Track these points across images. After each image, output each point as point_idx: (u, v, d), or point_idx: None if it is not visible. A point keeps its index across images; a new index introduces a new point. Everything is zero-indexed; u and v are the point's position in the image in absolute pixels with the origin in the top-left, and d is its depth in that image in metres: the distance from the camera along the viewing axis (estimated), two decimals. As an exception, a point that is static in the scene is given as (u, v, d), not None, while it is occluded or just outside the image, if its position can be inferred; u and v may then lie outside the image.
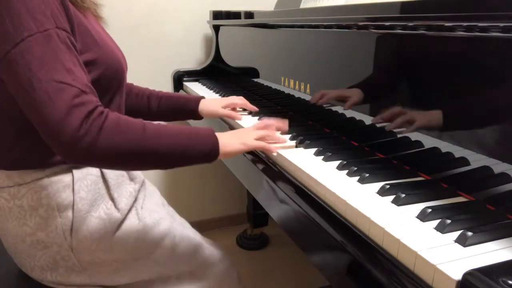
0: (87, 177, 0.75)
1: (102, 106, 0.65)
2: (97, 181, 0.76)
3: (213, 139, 0.72)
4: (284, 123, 0.88)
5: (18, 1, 0.59)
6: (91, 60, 0.71)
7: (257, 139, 0.80)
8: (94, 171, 0.76)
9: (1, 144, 0.72)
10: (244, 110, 1.13)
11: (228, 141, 0.75)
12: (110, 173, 0.78)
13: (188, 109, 1.04)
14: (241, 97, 1.10)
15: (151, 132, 0.66)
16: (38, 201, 0.71)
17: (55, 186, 0.72)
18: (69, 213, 0.73)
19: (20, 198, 0.71)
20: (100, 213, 0.76)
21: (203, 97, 1.06)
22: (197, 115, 1.05)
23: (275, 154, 0.82)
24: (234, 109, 1.10)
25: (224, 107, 1.06)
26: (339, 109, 0.91)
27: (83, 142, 0.60)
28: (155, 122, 0.70)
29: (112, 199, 0.78)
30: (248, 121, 1.04)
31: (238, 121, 1.04)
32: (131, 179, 0.84)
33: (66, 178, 0.73)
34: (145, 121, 0.68)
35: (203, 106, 1.04)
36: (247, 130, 0.83)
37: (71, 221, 0.73)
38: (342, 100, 0.89)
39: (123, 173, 0.82)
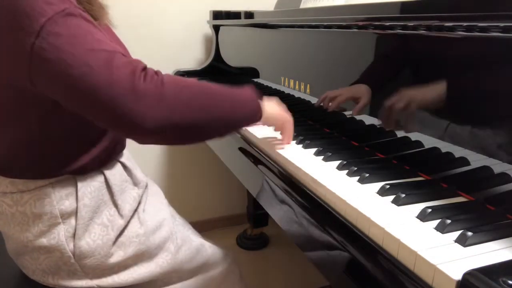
0: (91, 183, 0.74)
1: None
2: (100, 187, 0.75)
3: (257, 98, 0.73)
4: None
5: None
6: None
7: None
8: (98, 177, 0.75)
9: (7, 154, 0.71)
10: None
11: (269, 104, 0.77)
12: (114, 179, 0.77)
13: None
14: None
15: (207, 88, 0.65)
16: (41, 208, 0.70)
17: (58, 193, 0.71)
18: (72, 220, 0.72)
19: (23, 204, 0.71)
20: (103, 220, 0.75)
21: None
22: None
23: (285, 146, 0.84)
24: None
25: None
26: (339, 109, 0.91)
27: (148, 94, 0.56)
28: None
29: (116, 205, 0.77)
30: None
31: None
32: (135, 184, 0.83)
33: (69, 185, 0.72)
34: (191, 79, 0.66)
35: None
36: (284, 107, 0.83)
37: (74, 228, 0.72)
38: (352, 101, 0.89)
39: (126, 178, 0.81)
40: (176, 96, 0.60)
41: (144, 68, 0.60)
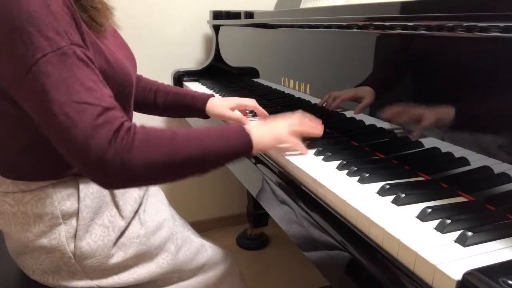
0: (92, 185, 0.74)
1: (129, 120, 0.61)
2: (102, 188, 0.75)
3: (245, 137, 0.69)
4: (318, 128, 0.82)
5: (27, 21, 0.55)
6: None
7: (290, 135, 0.77)
8: None
9: (7, 157, 0.71)
10: (253, 113, 1.09)
11: (260, 136, 0.72)
12: None
13: (195, 107, 1.00)
14: (253, 100, 1.03)
15: (182, 139, 0.63)
16: (43, 209, 0.70)
17: (60, 194, 0.71)
18: (73, 221, 0.72)
19: (25, 204, 0.71)
20: (104, 221, 0.75)
21: (212, 95, 1.02)
22: (204, 114, 1.01)
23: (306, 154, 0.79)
24: (243, 111, 1.04)
25: (233, 109, 1.00)
26: (339, 109, 0.91)
27: (116, 163, 0.57)
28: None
29: (117, 206, 0.77)
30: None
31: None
32: None
33: (71, 186, 0.72)
34: (173, 129, 0.65)
35: (210, 106, 1.00)
36: (281, 124, 0.77)
37: (75, 229, 0.72)
38: (354, 100, 0.89)
39: None
40: (147, 153, 0.59)
41: (119, 128, 0.59)
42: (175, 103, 1.01)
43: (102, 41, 0.70)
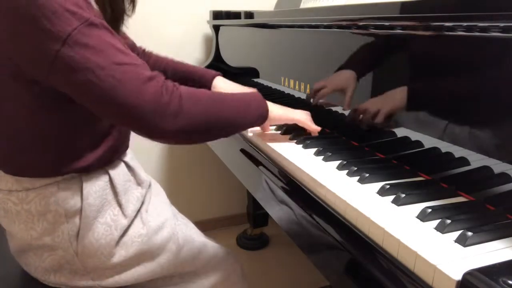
0: (96, 183, 0.74)
1: None
2: (105, 187, 0.75)
3: (263, 103, 0.79)
4: (316, 129, 0.89)
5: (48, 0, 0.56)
6: None
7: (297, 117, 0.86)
8: (103, 177, 0.75)
9: (11, 150, 0.71)
10: None
11: (275, 107, 0.82)
12: (117, 179, 0.77)
13: (201, 84, 1.02)
14: (254, 89, 1.03)
15: (218, 99, 0.70)
16: (46, 207, 0.71)
17: (64, 192, 0.71)
18: (76, 219, 0.72)
19: (28, 202, 0.71)
20: (107, 219, 0.75)
21: (218, 74, 1.04)
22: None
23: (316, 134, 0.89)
24: None
25: None
26: (339, 109, 0.91)
27: (170, 111, 0.61)
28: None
29: (119, 205, 0.77)
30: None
31: None
32: (138, 183, 0.83)
33: (75, 184, 0.72)
34: (206, 90, 0.71)
35: (217, 86, 1.02)
36: (291, 109, 0.87)
37: (78, 227, 0.72)
38: (339, 92, 0.90)
39: (130, 178, 0.81)
40: (193, 107, 0.65)
41: (164, 82, 0.64)
42: (183, 80, 1.01)
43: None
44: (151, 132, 0.63)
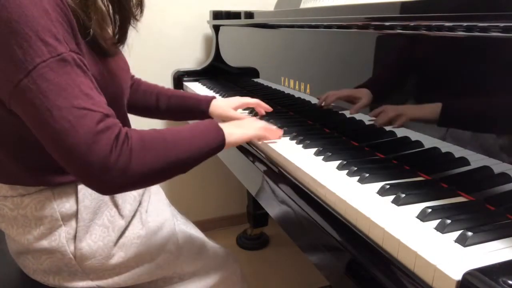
0: None
1: (124, 127, 0.62)
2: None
3: (220, 132, 0.74)
4: (278, 133, 0.89)
5: (26, 26, 0.54)
6: None
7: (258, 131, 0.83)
8: None
9: (1, 164, 0.70)
10: (253, 112, 1.09)
11: (231, 131, 0.76)
12: None
13: (199, 110, 1.01)
14: (257, 100, 1.05)
15: (171, 141, 0.65)
16: (42, 211, 0.70)
17: (59, 196, 0.71)
18: (73, 222, 0.72)
19: (24, 208, 0.71)
20: (104, 221, 0.75)
21: (214, 98, 1.03)
22: (207, 116, 1.01)
23: (276, 142, 0.87)
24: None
25: (235, 108, 1.02)
26: (339, 109, 0.91)
27: (117, 169, 0.57)
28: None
29: (116, 206, 0.77)
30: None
31: None
32: None
33: (70, 187, 0.72)
34: (160, 131, 0.66)
35: (213, 107, 1.01)
36: (250, 120, 0.85)
37: (75, 230, 0.72)
38: (350, 102, 0.89)
39: None
40: (145, 157, 0.61)
41: (118, 134, 0.59)
42: (178, 106, 1.01)
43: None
44: (100, 189, 0.61)
